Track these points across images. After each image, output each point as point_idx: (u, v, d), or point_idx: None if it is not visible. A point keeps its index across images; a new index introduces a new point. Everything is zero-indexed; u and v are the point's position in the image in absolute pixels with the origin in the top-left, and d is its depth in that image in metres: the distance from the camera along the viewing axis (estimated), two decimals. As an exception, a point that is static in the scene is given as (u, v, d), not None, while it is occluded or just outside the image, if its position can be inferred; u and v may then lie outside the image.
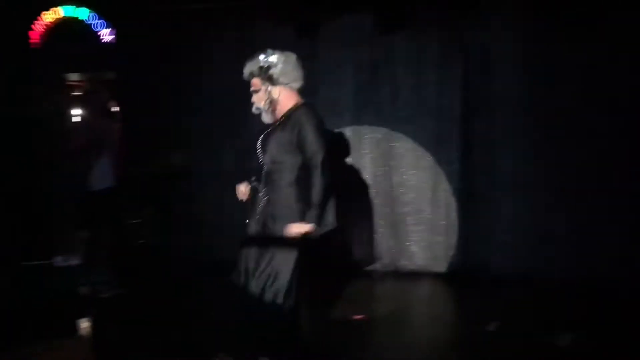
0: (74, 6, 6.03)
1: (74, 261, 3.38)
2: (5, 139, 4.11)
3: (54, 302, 3.46)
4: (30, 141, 4.45)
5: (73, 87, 5.31)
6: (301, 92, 2.98)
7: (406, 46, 5.55)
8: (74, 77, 7.21)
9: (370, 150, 5.74)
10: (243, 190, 3.06)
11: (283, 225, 2.82)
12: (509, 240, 5.32)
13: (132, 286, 4.74)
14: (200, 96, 5.99)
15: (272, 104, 2.89)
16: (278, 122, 2.91)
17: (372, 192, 5.72)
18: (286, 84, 2.88)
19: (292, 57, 2.92)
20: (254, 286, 2.86)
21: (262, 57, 2.86)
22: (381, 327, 4.20)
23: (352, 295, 4.97)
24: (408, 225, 5.68)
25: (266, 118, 2.96)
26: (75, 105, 4.83)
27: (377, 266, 5.70)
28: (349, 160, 5.74)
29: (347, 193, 5.69)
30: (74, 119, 4.94)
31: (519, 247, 5.30)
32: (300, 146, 2.81)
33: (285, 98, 2.90)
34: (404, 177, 5.66)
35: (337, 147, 5.70)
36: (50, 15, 5.87)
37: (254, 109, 2.95)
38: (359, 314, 4.34)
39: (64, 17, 6.00)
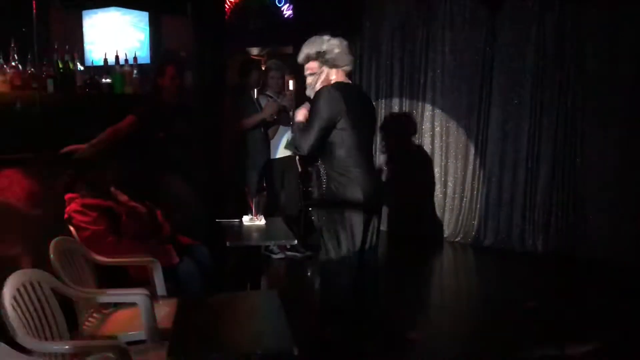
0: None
1: (259, 222, 3.62)
2: (204, 108, 4.50)
3: (240, 257, 3.81)
4: (222, 113, 4.81)
5: (257, 61, 5.63)
6: (349, 75, 3.13)
7: (598, 18, 5.09)
8: (254, 51, 7.72)
9: (549, 128, 5.40)
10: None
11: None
12: None
13: (304, 249, 5.07)
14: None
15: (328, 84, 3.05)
16: None
17: (551, 173, 5.41)
18: (341, 67, 3.06)
19: (345, 42, 3.08)
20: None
21: (320, 41, 3.03)
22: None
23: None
24: (587, 209, 5.28)
25: None
26: (259, 80, 5.10)
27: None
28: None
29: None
30: (255, 92, 5.23)
31: None
32: None
33: (339, 79, 3.06)
34: (588, 157, 5.25)
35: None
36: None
37: (308, 90, 3.11)
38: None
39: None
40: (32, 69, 3.56)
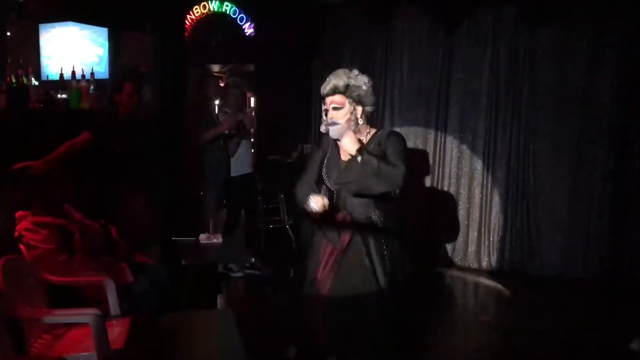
0: (220, 1, 6.42)
1: (216, 240, 3.61)
2: (163, 125, 4.48)
3: (196, 276, 3.76)
4: (181, 129, 4.80)
5: (215, 78, 5.66)
6: (368, 116, 2.92)
7: (550, 41, 5.28)
8: (216, 68, 7.72)
9: (503, 148, 5.55)
10: (322, 202, 2.79)
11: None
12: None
13: (264, 267, 5.04)
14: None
15: (354, 122, 2.83)
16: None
17: (505, 192, 5.56)
18: (366, 105, 2.86)
19: (371, 82, 2.89)
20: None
21: (350, 75, 2.85)
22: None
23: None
24: (540, 228, 5.42)
25: (336, 134, 2.83)
26: (217, 95, 5.12)
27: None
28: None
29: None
30: (216, 109, 5.24)
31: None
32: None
33: (364, 120, 2.87)
34: (540, 176, 5.40)
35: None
36: (199, 9, 6.29)
37: (326, 125, 2.84)
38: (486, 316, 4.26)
39: (211, 11, 6.41)
40: (-17, 84, 3.49)
